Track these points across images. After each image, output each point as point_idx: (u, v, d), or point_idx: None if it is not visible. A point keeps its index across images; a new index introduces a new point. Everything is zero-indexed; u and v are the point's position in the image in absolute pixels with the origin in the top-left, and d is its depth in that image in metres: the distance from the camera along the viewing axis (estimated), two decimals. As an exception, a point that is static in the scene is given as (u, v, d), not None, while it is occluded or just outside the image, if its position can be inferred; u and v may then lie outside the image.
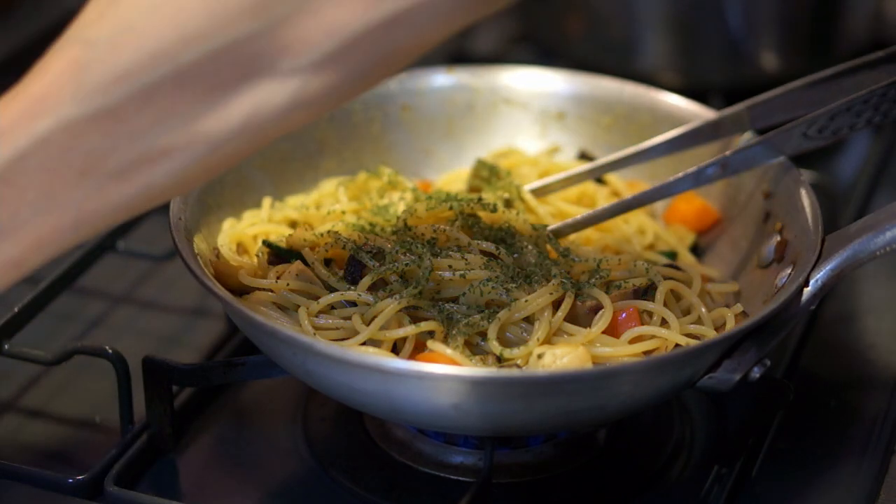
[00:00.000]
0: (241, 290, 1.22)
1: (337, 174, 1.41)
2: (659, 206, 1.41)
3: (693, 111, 1.41)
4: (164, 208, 1.22)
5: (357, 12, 0.94)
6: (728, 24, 1.79)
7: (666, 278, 1.23)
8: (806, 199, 1.26)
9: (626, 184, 1.42)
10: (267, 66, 0.95)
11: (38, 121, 0.95)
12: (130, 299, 1.49)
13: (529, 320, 1.17)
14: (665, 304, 1.21)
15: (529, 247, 1.24)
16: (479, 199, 1.28)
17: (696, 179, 1.30)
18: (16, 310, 1.30)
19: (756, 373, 1.12)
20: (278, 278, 1.20)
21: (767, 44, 1.81)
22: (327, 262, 1.23)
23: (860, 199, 1.61)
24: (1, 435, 1.28)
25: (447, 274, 1.18)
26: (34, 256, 0.99)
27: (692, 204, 1.39)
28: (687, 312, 1.23)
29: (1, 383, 1.34)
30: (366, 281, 1.19)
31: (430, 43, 0.97)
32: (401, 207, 1.31)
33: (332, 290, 1.20)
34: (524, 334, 1.17)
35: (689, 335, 1.19)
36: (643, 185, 1.39)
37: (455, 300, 1.18)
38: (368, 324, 1.16)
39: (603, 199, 1.39)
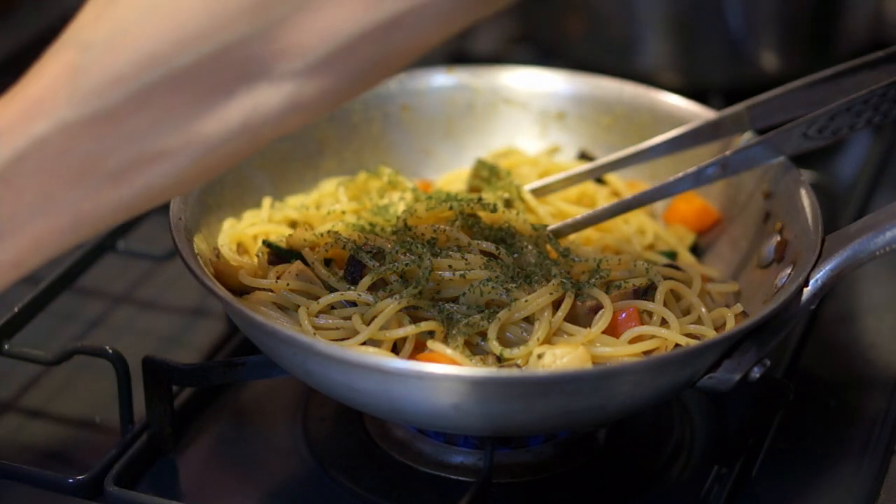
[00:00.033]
0: (241, 290, 1.22)
1: (337, 174, 1.41)
2: (659, 206, 1.41)
3: (693, 111, 1.41)
4: (164, 208, 1.22)
5: (354, 15, 0.94)
6: (728, 24, 1.79)
7: (666, 278, 1.23)
8: (806, 199, 1.26)
9: (626, 184, 1.42)
10: (264, 69, 0.95)
11: (35, 123, 0.95)
12: (130, 299, 1.49)
13: (529, 320, 1.17)
14: (665, 304, 1.21)
15: (529, 247, 1.24)
16: (479, 199, 1.28)
17: (696, 179, 1.30)
18: (16, 310, 1.30)
19: (756, 373, 1.12)
20: (278, 278, 1.21)
21: (767, 44, 1.81)
22: (327, 262, 1.23)
23: (860, 199, 1.61)
24: (1, 435, 1.28)
25: (447, 274, 1.18)
26: (32, 257, 0.99)
27: (692, 204, 1.39)
28: (687, 312, 1.23)
29: (1, 383, 1.34)
30: (366, 281, 1.19)
31: (427, 45, 0.97)
32: (401, 207, 1.31)
33: (332, 290, 1.20)
34: (524, 334, 1.17)
35: (689, 335, 1.19)
36: (643, 185, 1.39)
37: (455, 300, 1.18)
38: (368, 324, 1.16)
39: (603, 199, 1.39)
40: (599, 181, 1.42)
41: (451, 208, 1.26)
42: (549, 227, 1.29)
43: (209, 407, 1.31)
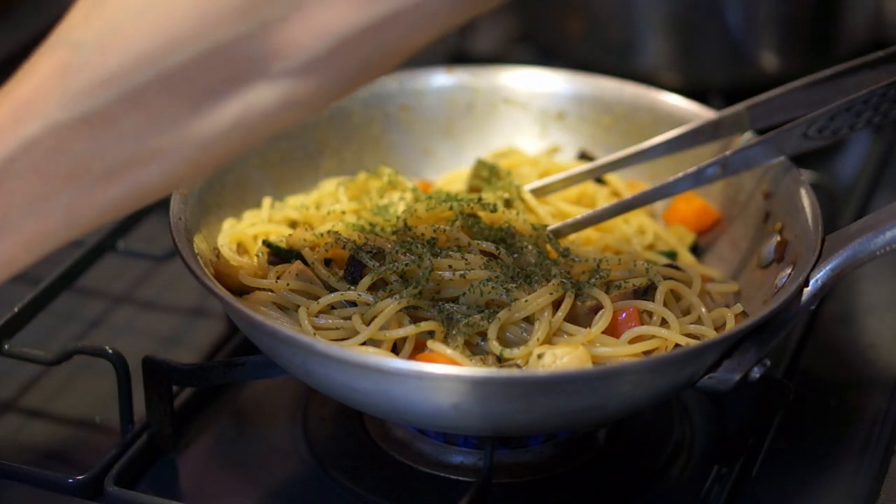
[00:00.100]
0: (241, 290, 1.22)
1: (337, 174, 1.41)
2: (659, 206, 1.41)
3: (693, 111, 1.41)
4: (165, 208, 1.22)
5: (347, 15, 0.93)
6: (728, 24, 1.78)
7: (666, 278, 1.23)
8: (806, 199, 1.26)
9: (626, 184, 1.42)
10: (256, 69, 0.94)
11: (26, 125, 0.94)
12: (130, 299, 1.49)
13: (529, 320, 1.17)
14: (665, 304, 1.21)
15: (529, 247, 1.24)
16: (479, 199, 1.28)
17: (696, 179, 1.30)
18: (16, 310, 1.30)
19: (756, 373, 1.12)
20: (278, 278, 1.21)
21: (767, 44, 1.81)
22: (327, 262, 1.23)
23: (860, 199, 1.61)
24: (1, 435, 1.28)
25: (447, 274, 1.18)
26: (24, 256, 0.99)
27: (692, 204, 1.39)
28: (687, 312, 1.23)
29: (1, 383, 1.34)
30: (366, 281, 1.19)
31: (419, 44, 0.96)
32: (401, 207, 1.31)
33: (332, 290, 1.20)
34: (524, 334, 1.17)
35: (689, 335, 1.19)
36: (643, 185, 1.39)
37: (455, 300, 1.18)
38: (368, 324, 1.16)
39: (603, 199, 1.39)
40: (599, 181, 1.42)
41: (451, 208, 1.26)
42: (549, 227, 1.29)
43: (209, 407, 1.31)
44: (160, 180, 0.97)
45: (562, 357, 1.13)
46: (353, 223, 1.28)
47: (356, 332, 1.16)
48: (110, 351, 1.25)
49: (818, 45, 1.82)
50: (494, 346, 1.15)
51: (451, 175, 1.43)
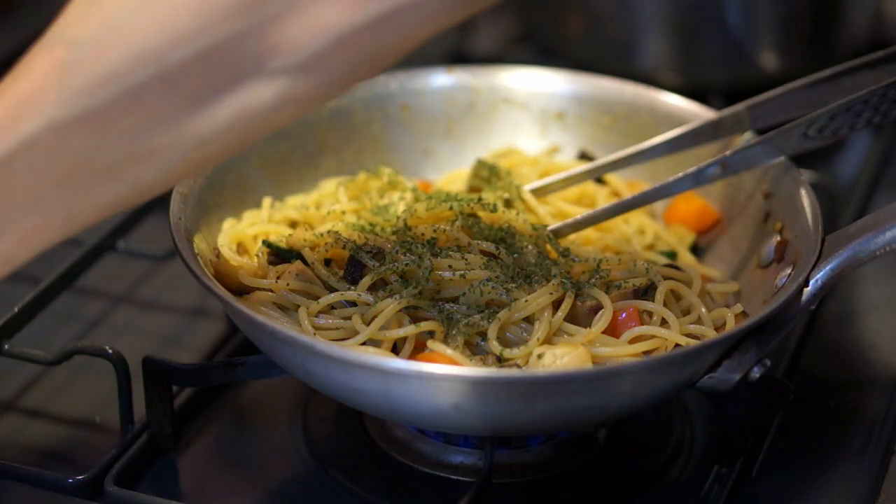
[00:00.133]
0: (241, 290, 1.22)
1: (337, 174, 1.41)
2: (659, 206, 1.41)
3: (693, 111, 1.41)
4: (165, 208, 1.22)
5: (344, 13, 0.94)
6: (728, 24, 1.78)
7: (666, 278, 1.23)
8: (806, 199, 1.26)
9: (626, 184, 1.42)
10: (254, 67, 0.94)
11: (24, 123, 0.94)
12: (130, 299, 1.49)
13: (529, 320, 1.17)
14: (665, 304, 1.21)
15: (529, 247, 1.24)
16: (479, 199, 1.28)
17: (696, 179, 1.30)
18: (16, 310, 1.30)
19: (756, 373, 1.12)
20: (278, 278, 1.21)
21: (767, 44, 1.81)
22: (327, 262, 1.23)
23: (860, 199, 1.61)
24: (1, 435, 1.28)
25: (447, 274, 1.18)
26: (23, 253, 0.99)
27: (692, 204, 1.39)
28: (687, 312, 1.23)
29: (1, 383, 1.34)
30: (366, 281, 1.19)
31: (417, 41, 0.97)
32: (401, 207, 1.31)
33: (332, 290, 1.20)
34: (524, 334, 1.17)
35: (689, 335, 1.19)
36: (643, 185, 1.39)
37: (455, 300, 1.18)
38: (368, 324, 1.16)
39: (603, 199, 1.39)
40: (599, 181, 1.42)
41: (451, 208, 1.26)
42: (549, 227, 1.29)
43: (209, 407, 1.31)
44: (158, 177, 0.97)
45: (562, 357, 1.13)
46: (353, 223, 1.28)
47: (356, 333, 1.16)
48: (110, 351, 1.25)
49: (818, 45, 1.82)
50: (494, 346, 1.15)
51: (451, 175, 1.43)
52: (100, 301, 1.47)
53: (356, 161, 1.44)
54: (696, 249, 1.37)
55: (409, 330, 1.16)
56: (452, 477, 1.21)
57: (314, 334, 1.16)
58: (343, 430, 1.27)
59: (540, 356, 1.13)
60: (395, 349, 1.17)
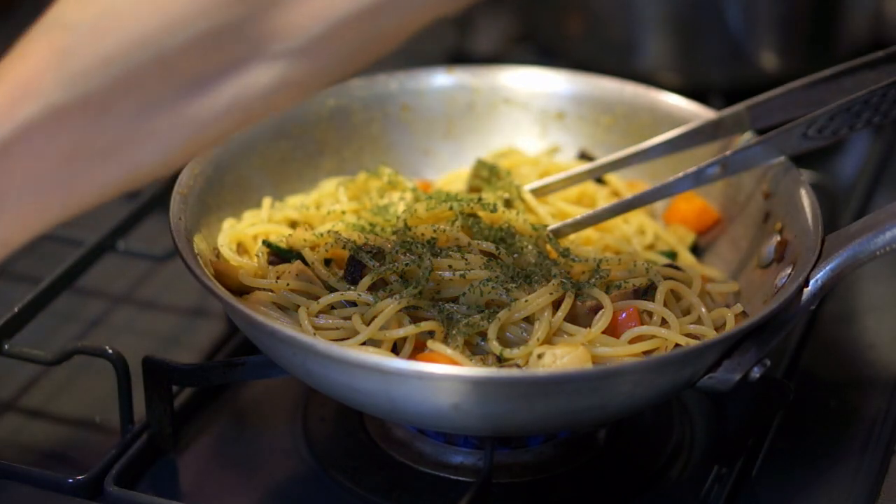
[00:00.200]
0: (241, 290, 1.22)
1: (337, 174, 1.41)
2: (659, 206, 1.41)
3: (693, 111, 1.41)
4: (165, 208, 1.22)
5: None
6: (728, 24, 1.79)
7: (666, 278, 1.23)
8: (806, 199, 1.26)
9: (626, 184, 1.42)
10: (253, 51, 0.95)
11: (23, 107, 0.94)
12: (130, 299, 1.49)
13: (529, 320, 1.17)
14: (665, 304, 1.21)
15: (529, 247, 1.24)
16: (479, 199, 1.28)
17: (696, 179, 1.30)
18: (16, 310, 1.30)
19: (756, 373, 1.12)
20: (278, 278, 1.21)
21: (767, 44, 1.81)
22: (327, 262, 1.23)
23: (860, 199, 1.61)
24: (1, 435, 1.28)
25: (447, 274, 1.18)
26: (20, 236, 0.99)
27: (692, 204, 1.39)
28: (687, 312, 1.23)
29: (1, 383, 1.34)
30: (366, 281, 1.19)
31: (416, 26, 0.97)
32: (401, 207, 1.31)
33: (332, 290, 1.20)
34: (524, 334, 1.17)
35: (689, 335, 1.19)
36: (643, 185, 1.39)
37: (455, 300, 1.18)
38: (368, 324, 1.16)
39: (603, 199, 1.39)
40: (599, 181, 1.42)
41: (451, 208, 1.26)
42: (549, 227, 1.29)
43: (209, 407, 1.31)
44: (157, 160, 0.97)
45: (562, 357, 1.13)
46: (353, 223, 1.28)
47: (356, 332, 1.16)
48: (110, 351, 1.25)
49: (818, 45, 1.82)
50: (494, 346, 1.15)
51: (451, 175, 1.43)
52: (100, 301, 1.47)
53: (356, 161, 1.44)
54: (696, 249, 1.37)
55: (409, 330, 1.16)
56: (452, 477, 1.21)
57: (314, 334, 1.16)
58: (343, 430, 1.27)
59: (540, 356, 1.13)
60: (395, 349, 1.17)
